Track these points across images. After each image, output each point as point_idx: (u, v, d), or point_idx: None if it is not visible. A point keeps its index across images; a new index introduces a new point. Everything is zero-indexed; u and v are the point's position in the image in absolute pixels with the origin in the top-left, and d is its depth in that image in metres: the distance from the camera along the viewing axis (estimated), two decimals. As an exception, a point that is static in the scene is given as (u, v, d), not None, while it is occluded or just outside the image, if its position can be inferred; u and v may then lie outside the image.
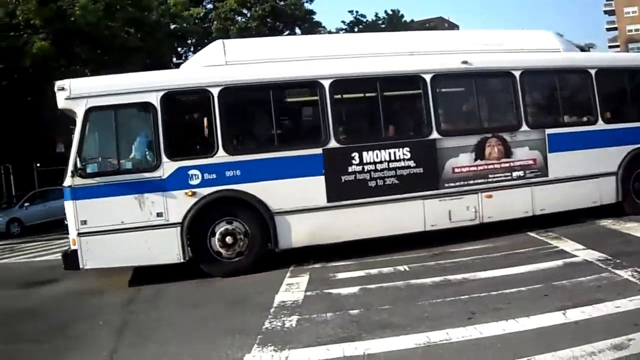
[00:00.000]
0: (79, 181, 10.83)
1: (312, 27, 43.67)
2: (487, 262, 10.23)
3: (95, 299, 10.43)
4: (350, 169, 11.83)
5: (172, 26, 35.05)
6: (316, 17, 46.21)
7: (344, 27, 50.71)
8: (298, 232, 11.60)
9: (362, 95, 12.88)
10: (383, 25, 50.65)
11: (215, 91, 11.33)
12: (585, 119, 13.79)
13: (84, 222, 10.83)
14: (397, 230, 12.10)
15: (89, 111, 10.92)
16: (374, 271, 10.27)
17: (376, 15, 53.23)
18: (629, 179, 13.78)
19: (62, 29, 26.59)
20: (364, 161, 11.90)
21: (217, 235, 11.32)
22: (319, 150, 11.67)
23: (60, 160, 33.37)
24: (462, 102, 13.53)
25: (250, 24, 40.12)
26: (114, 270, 11.45)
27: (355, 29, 49.55)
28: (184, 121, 11.97)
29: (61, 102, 11.09)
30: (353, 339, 6.54)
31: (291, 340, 6.78)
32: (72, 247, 10.91)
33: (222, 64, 11.96)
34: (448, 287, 8.71)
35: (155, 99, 11.06)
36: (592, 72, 13.68)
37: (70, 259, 10.89)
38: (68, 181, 10.88)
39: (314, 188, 11.58)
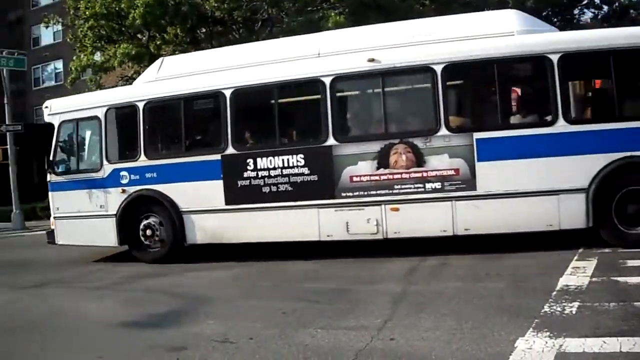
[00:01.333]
0: (53, 178, 14.32)
1: None
2: None
3: (379, 266, 10.75)
4: (245, 175, 12.25)
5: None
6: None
7: None
8: (202, 230, 12.86)
9: (260, 102, 12.82)
10: None
11: (140, 105, 13.32)
12: (537, 119, 10.92)
13: (57, 209, 14.30)
14: (292, 237, 12.03)
15: (60, 124, 14.25)
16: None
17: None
18: (609, 198, 10.47)
19: (358, 2, 27.49)
20: (258, 167, 12.16)
21: (140, 227, 13.47)
22: (218, 157, 12.46)
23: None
24: (366, 105, 12.37)
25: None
26: (404, 241, 11.63)
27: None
28: (120, 131, 13.89)
29: (46, 118, 14.52)
30: (633, 334, 6.01)
31: (568, 328, 6.37)
32: (51, 227, 14.53)
33: (153, 80, 13.90)
34: None
35: (100, 113, 13.71)
36: (554, 58, 10.67)
37: (50, 235, 14.52)
38: (48, 177, 14.43)
39: (214, 191, 12.45)
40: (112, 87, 30.01)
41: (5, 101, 30.57)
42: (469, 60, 11.09)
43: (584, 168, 10.47)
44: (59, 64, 50.51)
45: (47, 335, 7.89)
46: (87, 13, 29.71)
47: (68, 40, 32.94)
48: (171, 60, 15.00)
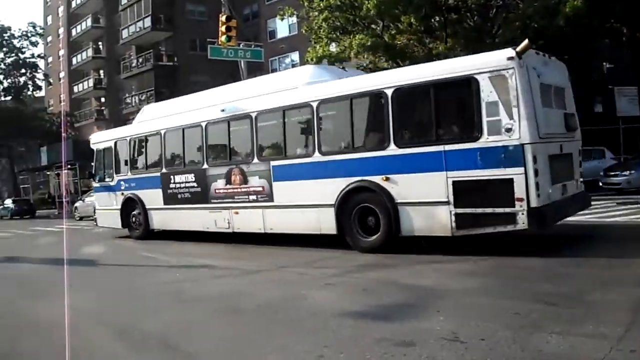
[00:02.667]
0: (94, 184, 23.40)
1: None
2: None
3: (622, 267, 10.06)
4: (170, 186, 19.15)
5: None
6: None
7: None
8: (156, 220, 20.26)
9: (178, 140, 19.16)
10: None
11: (127, 140, 21.24)
12: (305, 151, 15.09)
13: (99, 204, 23.23)
14: (194, 228, 18.61)
15: (95, 151, 22.80)
16: None
17: None
18: (349, 212, 14.09)
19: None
20: (174, 181, 19.03)
21: (131, 215, 21.37)
22: (158, 173, 19.65)
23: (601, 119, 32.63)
24: (221, 141, 17.56)
25: None
26: None
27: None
28: (121, 156, 21.59)
29: (91, 145, 23.19)
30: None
31: None
32: (95, 216, 24.65)
33: (135, 123, 22.14)
34: None
35: (113, 144, 21.94)
36: (314, 105, 14.81)
37: (95, 221, 24.16)
38: (93, 184, 23.88)
39: (158, 196, 19.63)
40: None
41: (246, 92, 32.27)
42: (268, 109, 16.00)
43: (332, 188, 14.28)
44: (295, 56, 52.51)
45: (274, 320, 8.13)
46: (321, 5, 30.56)
47: (303, 32, 34.11)
48: (155, 105, 23.61)
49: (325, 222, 14.55)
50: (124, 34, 65.96)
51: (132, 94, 65.22)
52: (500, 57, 12.37)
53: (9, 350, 7.53)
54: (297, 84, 15.70)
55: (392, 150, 13.28)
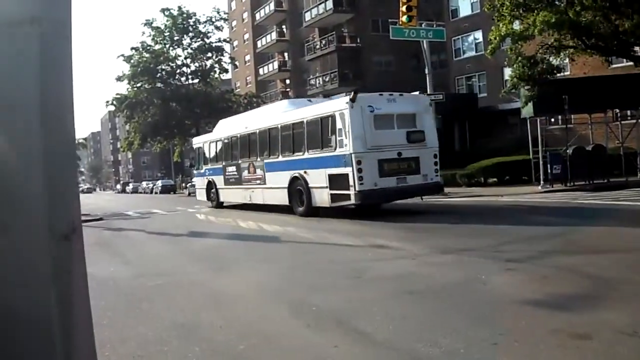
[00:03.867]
0: (195, 172, 36.79)
1: None
2: None
3: None
4: (226, 173, 30.95)
5: None
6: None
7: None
8: (222, 196, 32.45)
9: (227, 145, 31.95)
10: None
11: (208, 143, 33.96)
12: (276, 154, 25.99)
13: (196, 185, 37.24)
14: (238, 200, 30.51)
15: (196, 148, 35.18)
16: None
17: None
18: (291, 192, 24.42)
19: None
20: (227, 170, 30.84)
21: (210, 191, 33.59)
22: (221, 165, 31.74)
23: None
24: (246, 147, 29.14)
25: None
26: None
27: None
28: (204, 154, 34.05)
29: (193, 145, 36.46)
30: None
31: None
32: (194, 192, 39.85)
33: (215, 130, 35.26)
34: None
35: (201, 145, 34.74)
36: (279, 126, 25.91)
37: (194, 195, 40.23)
38: (193, 172, 38.67)
39: (222, 180, 31.90)
40: (532, 56, 29.86)
41: (427, 71, 32.15)
42: (262, 128, 27.20)
43: (286, 177, 24.04)
44: (478, 34, 51.53)
45: (448, 302, 8.13)
46: (503, -19, 29.83)
47: (486, 10, 33.40)
48: (222, 121, 33.99)
49: (284, 197, 24.37)
50: (307, 16, 67.49)
51: (316, 76, 66.62)
52: (342, 102, 21.58)
53: (196, 322, 8.09)
54: (278, 112, 26.46)
55: (306, 155, 22.92)
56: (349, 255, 13.13)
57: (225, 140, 31.36)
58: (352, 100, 21.14)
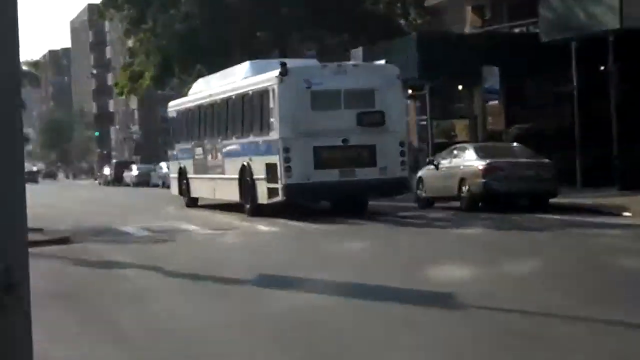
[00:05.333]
0: (169, 153, 29.49)
1: None
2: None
3: None
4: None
5: None
6: None
7: None
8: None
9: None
10: None
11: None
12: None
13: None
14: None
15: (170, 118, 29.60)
16: None
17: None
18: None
19: None
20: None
21: None
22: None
23: None
24: None
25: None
26: None
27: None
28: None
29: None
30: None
31: None
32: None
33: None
34: None
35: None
36: None
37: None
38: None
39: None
40: None
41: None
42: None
43: (236, 165, 20.87)
44: None
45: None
46: None
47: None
48: (200, 80, 27.70)
49: (235, 192, 21.23)
50: None
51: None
52: (272, 75, 18.75)
53: None
54: (237, 78, 22.58)
55: (251, 138, 20.55)
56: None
57: (194, 110, 25.10)
58: (282, 73, 18.23)
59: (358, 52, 29.47)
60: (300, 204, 19.72)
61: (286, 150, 17.98)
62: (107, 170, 71.21)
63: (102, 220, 22.05)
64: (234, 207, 21.61)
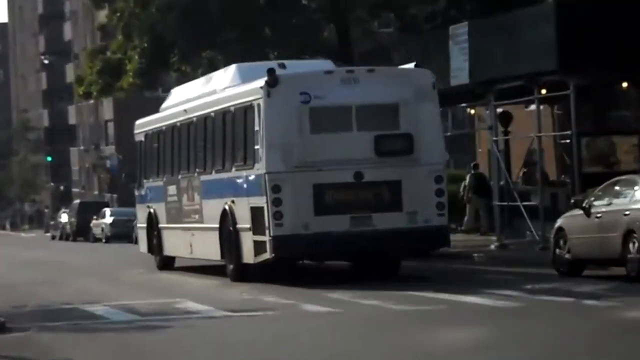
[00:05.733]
0: (136, 193, 22.81)
1: None
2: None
3: None
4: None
5: None
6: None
7: None
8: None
9: None
10: None
11: None
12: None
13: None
14: None
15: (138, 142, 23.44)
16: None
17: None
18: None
19: None
20: None
21: None
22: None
23: None
24: None
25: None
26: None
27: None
28: None
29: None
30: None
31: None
32: None
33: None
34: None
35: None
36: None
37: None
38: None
39: None
40: None
41: None
42: None
43: (217, 210, 16.35)
44: None
45: None
46: None
47: None
48: (177, 89, 22.13)
49: (215, 248, 16.53)
50: None
51: None
52: (256, 87, 14.58)
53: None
54: (219, 88, 17.79)
55: (233, 172, 16.12)
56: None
57: (166, 132, 19.74)
58: (269, 83, 14.13)
59: (460, 28, 21.19)
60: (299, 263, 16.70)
61: (275, 189, 13.95)
62: (64, 217, 50.47)
63: (57, 295, 15.76)
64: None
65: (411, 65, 15.80)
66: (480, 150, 34.64)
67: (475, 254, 20.32)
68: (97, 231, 43.28)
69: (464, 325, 10.15)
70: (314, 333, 9.93)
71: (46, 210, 67.81)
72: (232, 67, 17.71)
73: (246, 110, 15.14)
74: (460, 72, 20.44)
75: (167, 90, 28.47)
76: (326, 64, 17.89)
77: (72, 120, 72.00)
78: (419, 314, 11.30)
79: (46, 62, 76.73)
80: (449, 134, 40.90)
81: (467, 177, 25.85)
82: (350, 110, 14.52)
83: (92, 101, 40.77)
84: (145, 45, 26.10)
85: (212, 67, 24.50)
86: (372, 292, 13.18)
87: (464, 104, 25.91)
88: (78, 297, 14.75)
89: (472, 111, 29.20)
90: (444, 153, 15.30)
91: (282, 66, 15.04)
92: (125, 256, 29.34)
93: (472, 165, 27.61)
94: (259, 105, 14.38)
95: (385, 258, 15.60)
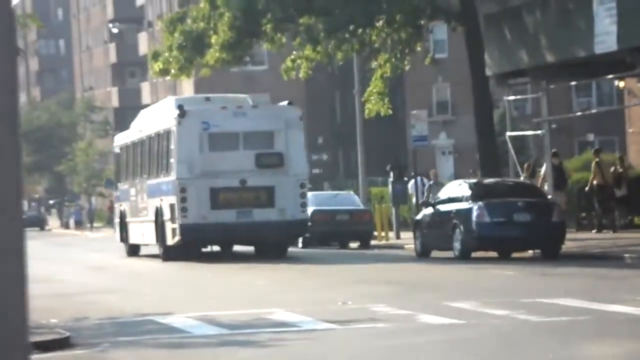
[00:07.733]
0: (115, 194, 32.44)
1: None
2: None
3: None
4: None
5: None
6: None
7: None
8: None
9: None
10: None
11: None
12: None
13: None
14: None
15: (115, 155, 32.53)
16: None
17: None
18: None
19: None
20: None
21: None
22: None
23: None
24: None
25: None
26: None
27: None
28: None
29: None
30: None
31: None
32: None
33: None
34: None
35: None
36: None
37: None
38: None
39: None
40: None
41: None
42: None
43: (152, 206, 22.60)
44: None
45: None
46: None
47: None
48: (143, 112, 29.06)
49: (152, 234, 23.23)
50: None
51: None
52: (171, 117, 20.51)
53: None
54: (162, 114, 24.58)
55: (162, 178, 22.26)
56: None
57: (130, 147, 26.05)
58: (180, 115, 19.79)
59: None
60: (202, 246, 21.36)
61: (182, 190, 19.57)
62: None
63: (130, 304, 14.09)
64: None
65: (285, 103, 21.89)
66: (631, 130, 31.21)
67: (627, 255, 18.34)
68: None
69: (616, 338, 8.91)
70: (438, 350, 8.28)
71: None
72: (171, 99, 25.05)
73: (168, 133, 20.75)
74: (606, 38, 17.87)
75: (257, 64, 30.89)
76: (218, 101, 22.94)
77: (145, 99, 60.45)
78: (559, 326, 9.91)
79: (115, 31, 66.87)
80: (594, 111, 34.78)
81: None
82: (238, 135, 20.48)
83: (169, 79, 35.11)
84: (235, 12, 23.02)
85: (310, 36, 21.77)
86: (495, 300, 12.13)
87: (610, 76, 23.47)
88: (152, 308, 13.10)
89: (622, 84, 26.93)
90: (306, 167, 21.02)
91: (181, 105, 21.11)
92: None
93: (552, 152, 24.31)
94: (173, 130, 20.12)
95: (276, 245, 21.30)
